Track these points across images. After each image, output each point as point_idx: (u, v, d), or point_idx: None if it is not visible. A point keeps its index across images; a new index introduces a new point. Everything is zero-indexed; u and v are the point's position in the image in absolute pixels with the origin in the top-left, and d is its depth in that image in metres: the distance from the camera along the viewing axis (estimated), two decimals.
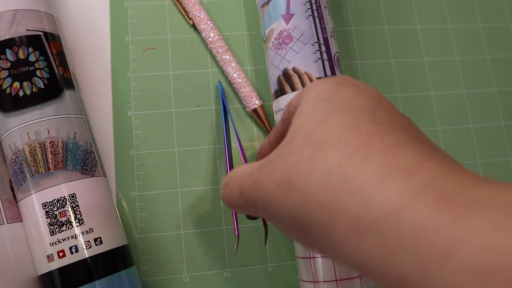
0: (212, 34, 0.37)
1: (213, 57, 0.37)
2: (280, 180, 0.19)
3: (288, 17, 0.31)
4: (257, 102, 0.35)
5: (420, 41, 0.41)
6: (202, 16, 0.37)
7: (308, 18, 0.31)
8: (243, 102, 0.36)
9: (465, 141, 0.39)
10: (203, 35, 0.37)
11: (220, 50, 0.36)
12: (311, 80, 0.30)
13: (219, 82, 0.35)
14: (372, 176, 0.16)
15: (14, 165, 0.30)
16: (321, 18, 0.32)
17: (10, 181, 0.31)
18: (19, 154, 0.30)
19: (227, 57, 0.36)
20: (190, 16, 0.37)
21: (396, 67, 0.39)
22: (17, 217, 0.30)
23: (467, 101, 0.40)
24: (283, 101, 0.31)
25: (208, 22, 0.37)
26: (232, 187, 0.22)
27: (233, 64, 0.36)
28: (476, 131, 0.39)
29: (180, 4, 0.38)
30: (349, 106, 0.19)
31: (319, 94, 0.20)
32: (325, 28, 0.32)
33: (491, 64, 0.41)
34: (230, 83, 0.37)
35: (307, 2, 0.32)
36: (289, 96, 0.31)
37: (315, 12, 0.32)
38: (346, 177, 0.17)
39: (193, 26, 0.38)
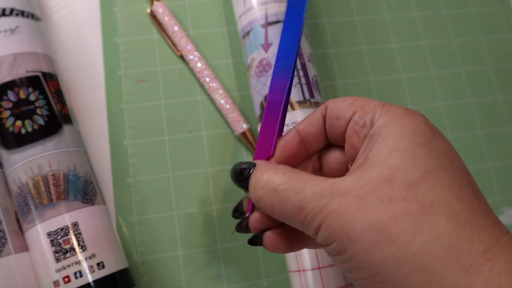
0: (199, 64, 0.39)
1: (201, 85, 0.40)
2: (375, 226, 0.18)
3: (267, 46, 0.34)
4: (244, 125, 0.38)
5: (397, 58, 0.43)
6: (189, 47, 0.39)
7: None
8: (232, 126, 0.38)
9: None
10: (191, 65, 0.39)
11: (207, 79, 0.39)
12: (291, 104, 0.33)
13: None
14: (479, 252, 0.17)
15: (19, 198, 0.32)
16: None
17: (16, 213, 0.33)
18: (23, 188, 0.32)
19: (214, 85, 0.39)
20: (178, 48, 0.40)
21: (376, 85, 0.42)
22: (24, 247, 0.32)
23: (445, 113, 0.42)
24: None
25: (195, 53, 0.39)
26: (288, 196, 0.20)
27: (220, 91, 0.38)
28: (454, 141, 0.41)
29: (169, 37, 0.40)
30: (450, 164, 0.19)
31: (416, 135, 0.20)
32: (302, 55, 0.34)
33: (466, 76, 0.43)
34: (218, 109, 0.39)
35: None
36: None
37: None
38: (455, 249, 0.17)
39: (181, 57, 0.40)
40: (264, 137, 0.24)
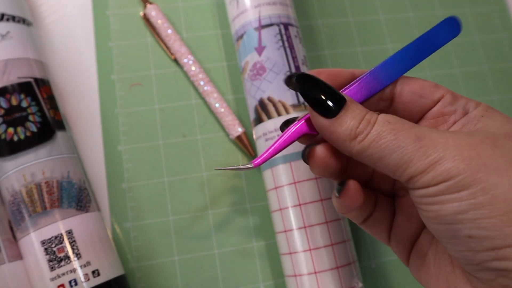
0: (193, 68, 0.39)
1: (196, 88, 0.39)
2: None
3: (260, 49, 0.34)
4: (239, 129, 0.37)
5: None
6: (183, 51, 0.39)
7: (279, 49, 0.33)
8: (227, 130, 0.38)
9: None
10: (185, 68, 0.39)
11: (201, 83, 0.38)
12: (285, 108, 0.32)
13: None
14: None
15: (13, 206, 0.32)
16: (292, 48, 0.34)
17: (9, 221, 0.33)
18: (16, 196, 0.32)
19: (208, 88, 0.38)
20: (172, 52, 0.40)
21: None
22: (18, 256, 0.32)
23: None
24: (261, 129, 0.33)
25: (189, 56, 0.39)
26: (403, 127, 0.20)
27: (215, 95, 0.38)
28: None
29: (162, 41, 0.40)
30: None
31: None
32: (296, 57, 0.34)
33: (461, 77, 0.43)
34: (213, 113, 0.39)
35: (277, 34, 0.34)
36: (266, 124, 0.33)
37: (286, 43, 0.34)
38: None
39: (175, 60, 0.40)
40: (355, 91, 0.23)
